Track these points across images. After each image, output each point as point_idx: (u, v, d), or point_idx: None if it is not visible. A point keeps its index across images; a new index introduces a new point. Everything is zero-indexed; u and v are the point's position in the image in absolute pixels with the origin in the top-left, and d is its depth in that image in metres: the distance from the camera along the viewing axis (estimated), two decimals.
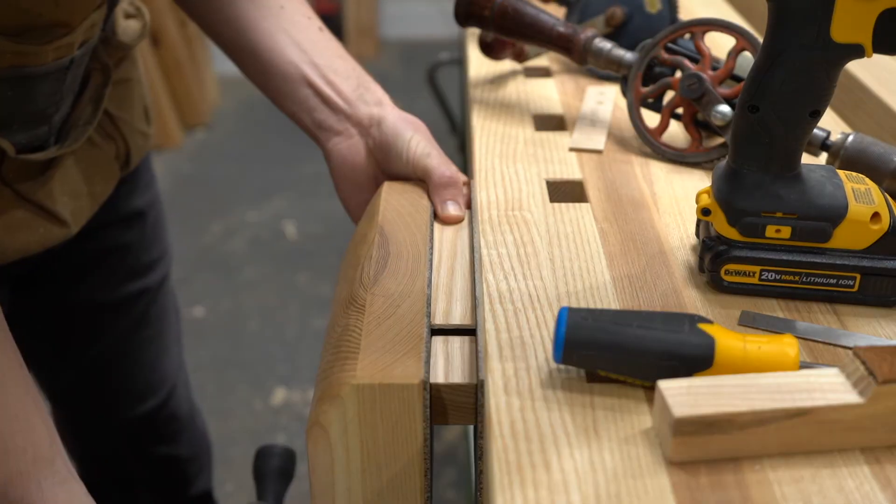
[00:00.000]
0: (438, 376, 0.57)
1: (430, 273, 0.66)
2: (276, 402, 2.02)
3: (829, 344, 0.58)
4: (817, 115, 0.59)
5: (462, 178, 0.77)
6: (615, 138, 0.87)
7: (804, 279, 0.62)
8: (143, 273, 0.99)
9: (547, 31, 0.87)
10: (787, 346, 0.51)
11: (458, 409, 0.57)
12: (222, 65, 3.67)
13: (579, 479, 0.46)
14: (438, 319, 0.62)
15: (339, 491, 0.58)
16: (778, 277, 0.62)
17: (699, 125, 0.82)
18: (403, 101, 0.73)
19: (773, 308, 0.61)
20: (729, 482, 0.46)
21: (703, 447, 0.47)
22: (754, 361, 0.50)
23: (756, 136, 0.60)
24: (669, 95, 0.85)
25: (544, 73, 1.04)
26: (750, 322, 0.60)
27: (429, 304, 0.62)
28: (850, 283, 0.61)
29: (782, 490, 0.46)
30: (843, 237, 0.61)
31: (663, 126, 0.83)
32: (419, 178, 0.78)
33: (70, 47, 0.73)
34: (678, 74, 0.83)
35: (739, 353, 0.50)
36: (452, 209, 0.74)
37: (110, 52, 0.85)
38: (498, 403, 0.51)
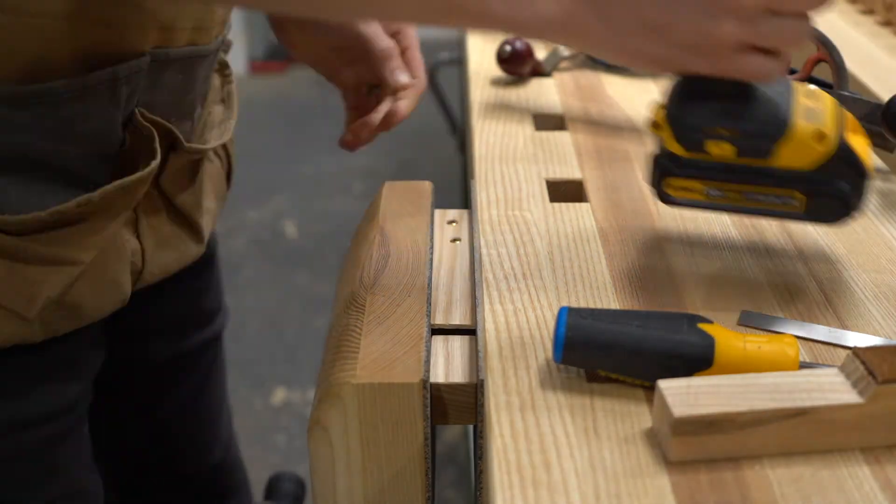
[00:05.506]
0: (439, 376, 0.57)
1: (430, 273, 0.66)
2: (276, 402, 2.02)
3: (829, 344, 0.58)
4: None
5: (394, 46, 0.75)
6: (614, 139, 0.87)
7: (749, 197, 0.60)
8: (210, 321, 0.95)
9: None
10: (787, 346, 0.51)
11: (458, 409, 0.57)
12: None
13: (579, 479, 0.46)
14: (438, 319, 0.62)
15: (340, 490, 0.58)
16: (723, 195, 0.60)
17: None
18: None
19: (773, 308, 0.61)
20: (729, 482, 0.46)
21: (702, 447, 0.47)
22: (754, 361, 0.50)
23: None
24: None
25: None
26: (750, 322, 0.60)
27: (429, 304, 0.62)
28: (794, 202, 0.59)
29: (782, 490, 0.46)
30: (787, 156, 0.58)
31: None
32: (354, 45, 0.74)
33: (223, 25, 0.72)
34: None
35: (739, 353, 0.50)
36: (404, 77, 0.71)
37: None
38: (498, 403, 0.51)
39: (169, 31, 0.66)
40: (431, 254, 0.69)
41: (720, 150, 0.58)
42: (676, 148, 0.59)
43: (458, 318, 0.62)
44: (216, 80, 0.82)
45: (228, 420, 1.05)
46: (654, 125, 0.60)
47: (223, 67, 0.83)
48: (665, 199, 0.61)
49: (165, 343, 0.91)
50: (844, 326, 0.60)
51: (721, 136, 0.58)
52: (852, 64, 0.88)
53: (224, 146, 0.87)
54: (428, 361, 0.56)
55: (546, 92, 0.97)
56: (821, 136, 0.57)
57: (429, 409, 0.56)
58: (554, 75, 1.02)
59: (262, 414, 1.98)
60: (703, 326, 0.51)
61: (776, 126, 0.57)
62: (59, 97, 0.60)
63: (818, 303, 0.62)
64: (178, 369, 0.94)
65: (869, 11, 1.20)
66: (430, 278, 0.65)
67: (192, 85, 0.72)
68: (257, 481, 1.86)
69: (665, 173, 0.60)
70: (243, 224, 2.70)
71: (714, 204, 0.61)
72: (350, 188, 2.86)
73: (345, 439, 0.56)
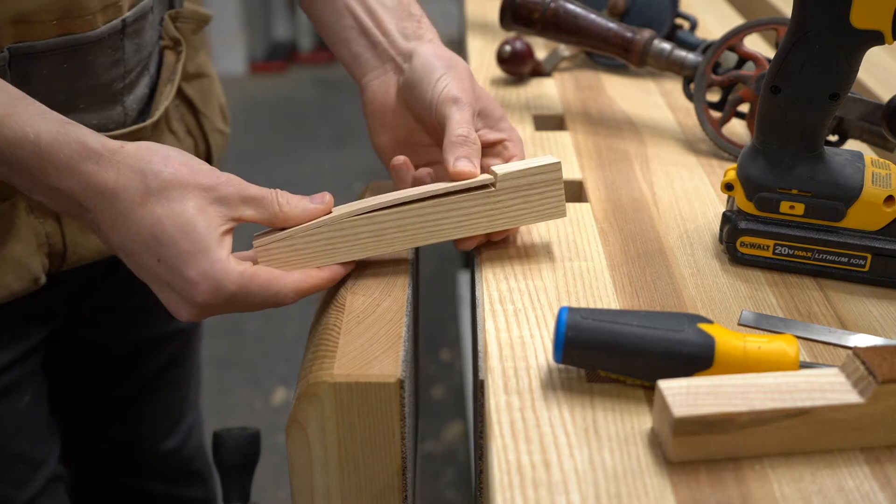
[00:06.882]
0: None
1: (412, 272, 0.66)
2: (276, 402, 2.02)
3: (829, 344, 0.58)
4: (837, 98, 0.61)
5: (477, 139, 0.66)
6: (614, 139, 0.87)
7: (816, 256, 0.64)
8: None
9: (602, 33, 0.86)
10: (787, 346, 0.51)
11: None
12: (223, 65, 3.67)
13: (579, 479, 0.46)
14: None
15: (317, 489, 0.58)
16: (791, 252, 0.64)
17: None
18: None
19: (774, 308, 0.61)
20: (729, 482, 0.46)
21: (703, 447, 0.47)
22: (754, 361, 0.50)
23: (776, 115, 0.62)
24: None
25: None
26: (750, 322, 0.60)
27: (409, 304, 0.62)
28: (862, 262, 0.63)
29: (782, 490, 0.46)
30: (856, 218, 0.62)
31: (726, 121, 0.82)
32: (440, 126, 0.67)
33: (118, 8, 0.71)
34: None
35: (739, 353, 0.50)
36: (463, 165, 0.63)
37: (180, 28, 0.82)
38: (498, 403, 0.51)
39: (26, 26, 0.66)
40: (416, 254, 0.68)
41: (792, 210, 0.63)
42: (748, 207, 0.64)
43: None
44: (170, 58, 0.81)
45: (194, 410, 1.06)
46: (727, 186, 0.65)
47: (176, 44, 0.82)
48: (734, 254, 0.65)
49: (129, 329, 0.94)
50: (844, 326, 0.60)
51: (795, 197, 0.63)
52: None
53: (199, 125, 0.87)
54: (406, 361, 0.56)
55: (546, 92, 0.97)
56: (891, 200, 0.62)
57: (405, 408, 0.55)
58: (554, 75, 1.02)
59: (262, 414, 1.98)
60: (703, 326, 0.51)
61: (850, 190, 0.62)
62: None
63: (818, 302, 0.62)
64: (140, 356, 0.96)
65: None
66: (411, 277, 0.65)
67: (91, 70, 0.71)
68: (257, 481, 1.85)
69: (738, 231, 0.65)
70: (243, 223, 2.70)
71: (781, 262, 0.65)
72: (350, 188, 2.86)
73: (322, 438, 0.56)
